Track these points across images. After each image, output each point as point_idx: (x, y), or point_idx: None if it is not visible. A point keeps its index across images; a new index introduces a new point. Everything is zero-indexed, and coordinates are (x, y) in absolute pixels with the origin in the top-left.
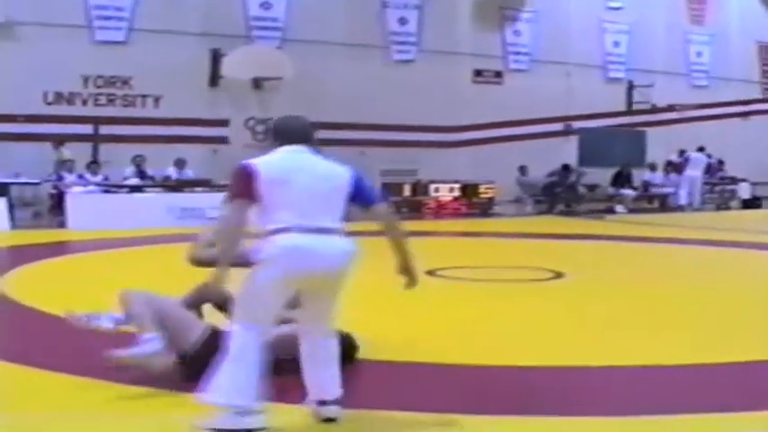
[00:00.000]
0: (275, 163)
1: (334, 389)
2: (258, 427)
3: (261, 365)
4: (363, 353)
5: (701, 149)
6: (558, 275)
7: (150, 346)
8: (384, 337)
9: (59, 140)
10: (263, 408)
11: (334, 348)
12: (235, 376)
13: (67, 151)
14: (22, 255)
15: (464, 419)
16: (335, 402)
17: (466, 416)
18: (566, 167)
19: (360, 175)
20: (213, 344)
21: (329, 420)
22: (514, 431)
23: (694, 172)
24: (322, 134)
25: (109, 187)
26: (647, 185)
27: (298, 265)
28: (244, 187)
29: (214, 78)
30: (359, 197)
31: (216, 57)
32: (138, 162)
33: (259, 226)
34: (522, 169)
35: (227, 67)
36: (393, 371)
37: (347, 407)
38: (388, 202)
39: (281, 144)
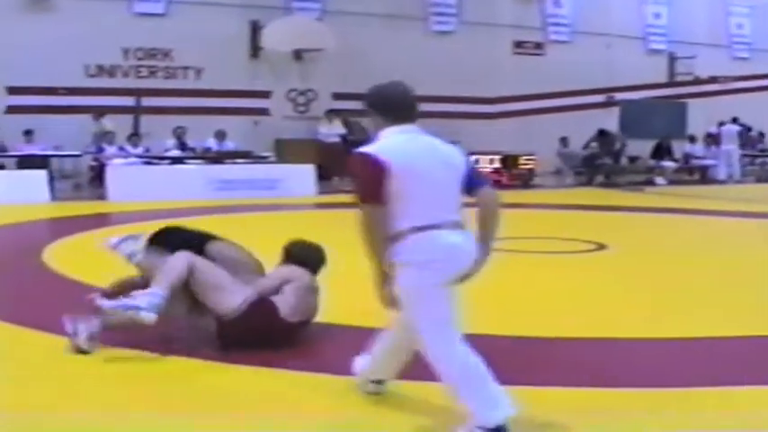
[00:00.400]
0: (401, 152)
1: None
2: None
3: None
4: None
5: (734, 120)
6: (601, 247)
7: (142, 298)
8: None
9: (100, 112)
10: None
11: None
12: (482, 393)
13: (109, 123)
14: (62, 226)
15: (510, 390)
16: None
17: (512, 387)
18: (602, 132)
19: (468, 156)
20: (257, 310)
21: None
22: (559, 402)
23: (729, 145)
24: (362, 105)
25: (149, 159)
26: (687, 157)
27: (449, 265)
28: (377, 187)
29: (254, 50)
30: (470, 181)
31: (255, 28)
32: (179, 134)
33: (393, 223)
34: (564, 141)
35: (267, 39)
36: None
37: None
38: (492, 185)
39: (389, 122)
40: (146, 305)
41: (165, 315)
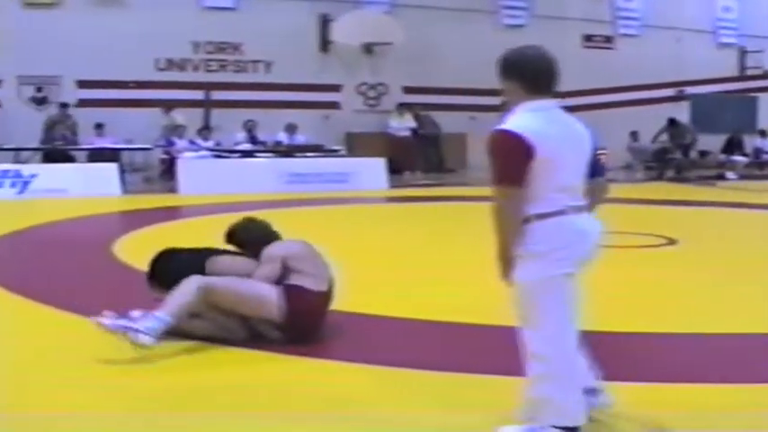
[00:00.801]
0: (543, 133)
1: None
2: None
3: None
4: (486, 318)
5: None
6: (671, 242)
7: (142, 322)
8: (496, 302)
9: (169, 106)
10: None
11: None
12: (562, 394)
13: (179, 116)
14: (133, 219)
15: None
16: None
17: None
18: (672, 122)
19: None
20: (291, 299)
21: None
22: (632, 397)
23: None
24: (433, 99)
25: (220, 152)
26: (758, 152)
27: (576, 253)
28: (520, 169)
29: (324, 44)
30: (591, 168)
31: (325, 22)
32: (250, 127)
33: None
34: (634, 135)
35: (336, 33)
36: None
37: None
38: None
39: (531, 93)
40: (143, 329)
41: (226, 336)
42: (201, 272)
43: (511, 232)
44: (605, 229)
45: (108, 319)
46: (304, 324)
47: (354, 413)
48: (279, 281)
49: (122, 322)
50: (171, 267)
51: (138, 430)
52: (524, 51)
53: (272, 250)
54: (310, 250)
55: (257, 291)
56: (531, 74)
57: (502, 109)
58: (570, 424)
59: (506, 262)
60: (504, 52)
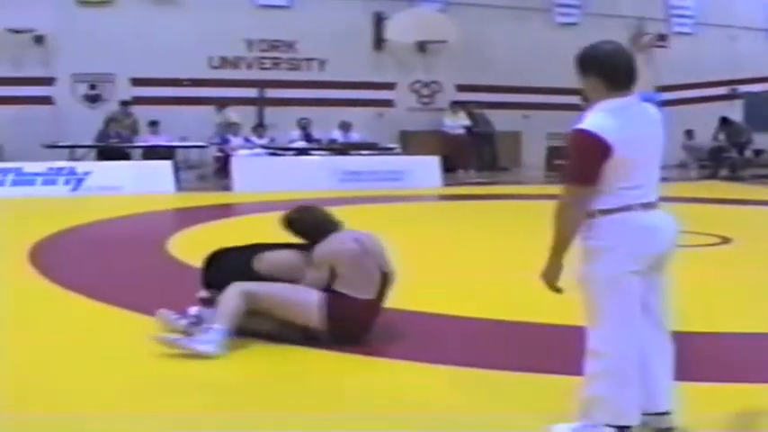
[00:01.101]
0: (623, 133)
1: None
2: None
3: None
4: (543, 316)
5: None
6: (726, 241)
7: (202, 337)
8: (555, 301)
9: (222, 104)
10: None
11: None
12: (617, 393)
13: (233, 114)
14: (187, 217)
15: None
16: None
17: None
18: (725, 120)
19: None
20: (334, 307)
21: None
22: (690, 397)
23: None
24: (486, 97)
25: (274, 150)
26: None
27: (645, 249)
28: (595, 170)
29: (378, 42)
30: None
31: (379, 20)
32: (304, 125)
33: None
34: (689, 133)
35: (390, 31)
36: (567, 334)
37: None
38: None
39: (611, 90)
40: (206, 341)
41: (284, 333)
42: (249, 270)
43: (571, 232)
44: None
45: (169, 335)
46: (345, 331)
47: (419, 413)
48: (326, 285)
49: (183, 341)
50: (220, 266)
51: (208, 428)
52: (602, 46)
53: (322, 253)
54: (366, 249)
55: (298, 298)
56: (610, 69)
57: (583, 107)
58: (624, 423)
59: (557, 261)
60: (582, 49)
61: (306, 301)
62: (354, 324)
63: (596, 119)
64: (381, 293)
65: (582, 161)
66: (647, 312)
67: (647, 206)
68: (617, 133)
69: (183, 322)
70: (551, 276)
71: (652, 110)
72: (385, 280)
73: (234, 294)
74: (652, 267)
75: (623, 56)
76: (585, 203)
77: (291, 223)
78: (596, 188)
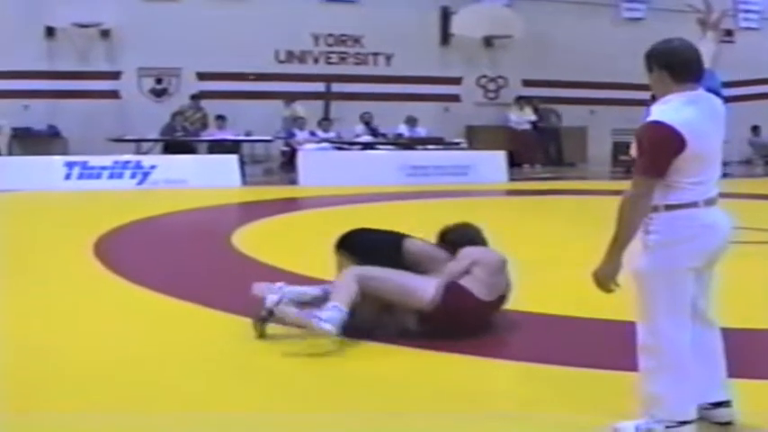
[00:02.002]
0: (694, 127)
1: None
2: None
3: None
4: (584, 311)
5: None
6: None
7: (326, 312)
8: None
9: (291, 98)
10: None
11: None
12: (673, 389)
13: (300, 107)
14: (253, 210)
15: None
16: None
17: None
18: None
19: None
20: (451, 295)
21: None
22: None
23: None
24: (553, 92)
25: (340, 144)
26: None
27: (702, 246)
28: (665, 163)
29: (445, 36)
30: None
31: (445, 15)
32: (367, 119)
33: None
34: (755, 129)
35: (456, 26)
36: (618, 329)
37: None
38: None
39: (679, 83)
40: (326, 318)
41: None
42: (398, 249)
43: (636, 224)
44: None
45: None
46: (449, 320)
47: (531, 413)
48: (456, 278)
49: (305, 312)
50: (369, 238)
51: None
52: (671, 41)
53: (470, 250)
54: (505, 265)
55: (416, 283)
56: (678, 63)
57: (650, 103)
58: (681, 419)
59: (617, 256)
60: (652, 45)
61: (423, 286)
62: (463, 316)
63: (670, 112)
64: (497, 304)
65: (655, 153)
66: (695, 308)
67: (710, 202)
68: (690, 126)
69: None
70: (609, 273)
71: (717, 102)
72: (504, 298)
73: (349, 280)
74: (706, 264)
75: (690, 50)
76: (652, 195)
77: (449, 234)
78: (662, 180)
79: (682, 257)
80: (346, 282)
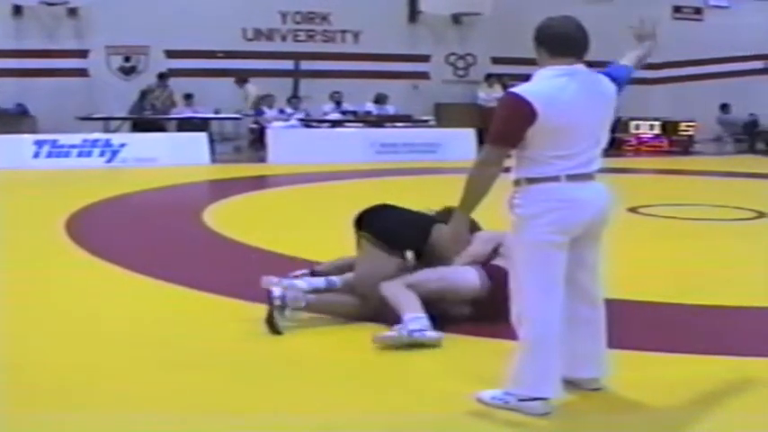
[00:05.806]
0: (554, 99)
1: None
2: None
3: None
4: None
5: None
6: (761, 215)
7: (416, 323)
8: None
9: (242, 78)
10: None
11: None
12: (536, 364)
13: (253, 88)
14: (223, 188)
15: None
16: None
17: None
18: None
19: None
20: (497, 282)
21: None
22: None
23: None
24: (521, 70)
25: (309, 122)
26: None
27: (567, 220)
28: (516, 133)
29: (413, 14)
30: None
31: None
32: (337, 98)
33: (517, 171)
34: (724, 107)
35: (425, 3)
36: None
37: None
38: None
39: (553, 57)
40: (421, 327)
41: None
42: (426, 235)
43: (483, 190)
44: (695, 201)
45: (391, 331)
46: (505, 302)
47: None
48: (483, 262)
49: (402, 331)
50: (394, 223)
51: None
52: (552, 19)
53: (490, 234)
54: None
55: (452, 276)
56: (552, 37)
57: None
58: (541, 395)
59: (465, 216)
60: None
61: (464, 277)
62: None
63: (530, 84)
64: None
65: (504, 123)
66: (573, 285)
67: (576, 177)
68: (548, 98)
69: (303, 285)
70: (460, 230)
71: (604, 81)
72: None
73: (400, 288)
74: (578, 240)
75: (568, 26)
76: (500, 164)
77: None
78: (510, 150)
79: (542, 231)
80: (398, 291)
